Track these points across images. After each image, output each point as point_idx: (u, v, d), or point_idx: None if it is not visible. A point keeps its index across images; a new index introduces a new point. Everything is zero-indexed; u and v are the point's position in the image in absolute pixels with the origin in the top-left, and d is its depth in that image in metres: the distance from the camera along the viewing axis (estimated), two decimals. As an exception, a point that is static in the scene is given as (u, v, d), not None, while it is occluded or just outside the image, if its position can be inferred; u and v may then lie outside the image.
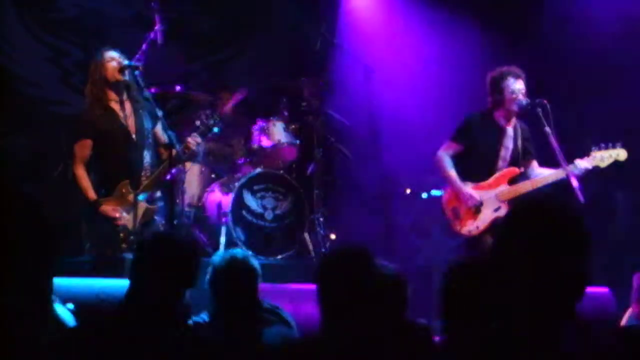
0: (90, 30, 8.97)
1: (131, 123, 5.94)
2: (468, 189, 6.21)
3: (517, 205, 2.38)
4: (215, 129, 6.22)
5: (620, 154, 6.16)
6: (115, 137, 5.91)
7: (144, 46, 8.63)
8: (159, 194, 6.22)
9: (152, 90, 6.54)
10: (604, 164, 6.14)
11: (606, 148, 6.14)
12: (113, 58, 5.94)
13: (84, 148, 5.96)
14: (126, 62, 6.05)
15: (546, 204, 2.29)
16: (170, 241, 3.34)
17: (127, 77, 5.98)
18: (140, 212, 5.92)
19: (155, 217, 6.05)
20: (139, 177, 5.93)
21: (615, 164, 6.18)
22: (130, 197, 5.90)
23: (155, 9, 9.04)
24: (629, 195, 8.30)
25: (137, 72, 6.02)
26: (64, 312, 3.66)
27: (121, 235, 5.89)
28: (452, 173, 6.26)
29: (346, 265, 3.06)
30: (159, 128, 6.07)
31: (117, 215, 5.86)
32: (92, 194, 5.92)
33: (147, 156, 5.98)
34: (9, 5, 8.89)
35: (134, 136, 5.93)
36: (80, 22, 9.14)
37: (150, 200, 6.01)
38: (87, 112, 6.07)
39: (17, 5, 8.94)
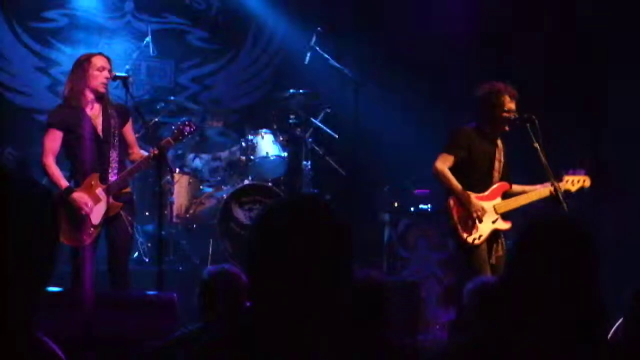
0: (80, 40, 8.99)
1: (99, 122, 6.01)
2: (475, 199, 6.20)
3: (528, 224, 2.37)
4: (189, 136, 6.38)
5: (586, 181, 6.33)
6: (82, 133, 5.97)
7: (134, 56, 8.71)
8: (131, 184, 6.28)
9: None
10: (574, 189, 6.34)
11: (574, 174, 6.30)
12: (104, 67, 5.96)
13: (54, 140, 6.01)
14: (117, 72, 6.09)
15: (558, 223, 2.29)
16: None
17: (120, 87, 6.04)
18: (105, 205, 5.96)
19: (122, 212, 6.03)
20: (107, 172, 6.00)
21: (582, 190, 6.37)
22: (98, 190, 5.96)
23: (145, 20, 9.09)
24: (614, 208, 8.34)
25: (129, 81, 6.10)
26: None
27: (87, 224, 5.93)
28: (457, 184, 6.22)
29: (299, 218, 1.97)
30: (128, 128, 6.17)
31: (88, 204, 5.89)
32: (64, 182, 5.97)
33: (113, 154, 6.03)
34: (-1, 15, 8.92)
35: (101, 134, 5.98)
36: (71, 32, 9.17)
37: (118, 196, 6.01)
38: (58, 108, 6.15)
39: (7, 14, 8.96)
